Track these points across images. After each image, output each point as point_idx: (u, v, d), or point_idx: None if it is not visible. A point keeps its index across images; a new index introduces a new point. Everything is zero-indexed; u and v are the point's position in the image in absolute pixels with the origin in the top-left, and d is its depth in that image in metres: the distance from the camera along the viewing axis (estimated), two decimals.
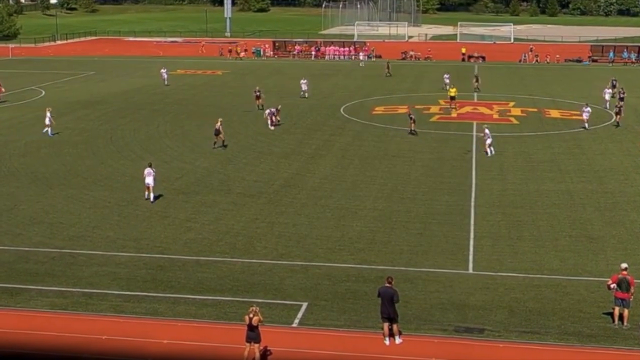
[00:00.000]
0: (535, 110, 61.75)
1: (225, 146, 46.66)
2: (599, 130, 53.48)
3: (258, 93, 60.64)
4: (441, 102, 65.67)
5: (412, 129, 51.19)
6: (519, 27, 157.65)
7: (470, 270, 27.33)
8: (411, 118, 51.53)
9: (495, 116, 58.93)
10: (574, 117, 58.11)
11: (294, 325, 22.84)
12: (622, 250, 29.20)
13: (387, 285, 21.72)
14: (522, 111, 60.99)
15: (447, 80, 73.15)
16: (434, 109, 62.56)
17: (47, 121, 51.13)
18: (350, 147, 47.37)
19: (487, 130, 46.19)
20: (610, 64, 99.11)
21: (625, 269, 22.99)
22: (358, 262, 27.99)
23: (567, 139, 50.10)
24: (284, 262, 27.97)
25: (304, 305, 24.09)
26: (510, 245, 29.77)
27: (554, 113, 60.45)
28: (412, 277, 26.43)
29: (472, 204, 35.37)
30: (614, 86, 58.27)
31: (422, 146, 47.88)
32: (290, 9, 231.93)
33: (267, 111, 53.47)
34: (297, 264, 27.74)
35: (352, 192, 37.28)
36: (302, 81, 69.27)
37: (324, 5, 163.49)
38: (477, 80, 72.38)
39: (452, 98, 61.77)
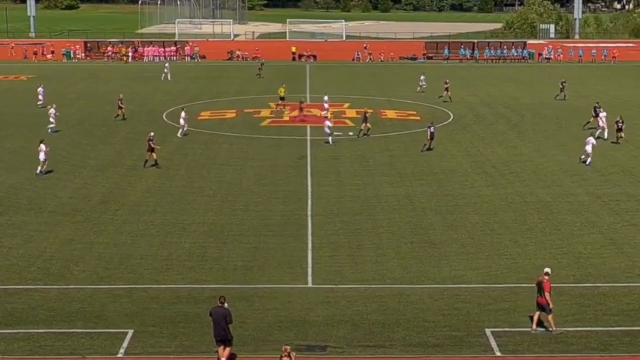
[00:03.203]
0: (371, 111, 63.28)
1: (157, 165, 44.07)
2: (437, 130, 55.37)
3: (121, 101, 58.65)
4: (272, 105, 66.26)
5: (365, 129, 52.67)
6: (351, 24, 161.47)
7: (310, 284, 27.68)
8: (365, 117, 52.70)
9: (331, 119, 59.90)
10: (410, 118, 60.05)
11: (120, 355, 22.36)
12: (464, 255, 30.44)
13: (220, 305, 21.70)
14: (357, 113, 62.33)
15: (423, 83, 73.36)
16: (264, 112, 63.04)
17: (51, 119, 53.24)
18: (175, 156, 46.90)
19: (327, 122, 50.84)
20: (446, 62, 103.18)
21: (547, 274, 23.90)
22: (189, 282, 27.75)
23: (405, 141, 51.73)
24: (106, 286, 27.35)
25: (130, 332, 23.62)
26: (351, 255, 30.39)
27: (390, 114, 62.29)
28: (248, 295, 26.48)
29: (309, 213, 35.87)
30: (597, 115, 54.22)
31: (253, 153, 48.13)
32: (102, 7, 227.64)
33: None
34: (121, 287, 27.18)
35: (179, 205, 36.95)
36: (39, 90, 65.05)
37: (140, 2, 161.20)
38: (447, 90, 67.69)
39: (282, 99, 62.65)
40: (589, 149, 44.95)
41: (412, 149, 49.22)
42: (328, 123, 51.40)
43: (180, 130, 52.89)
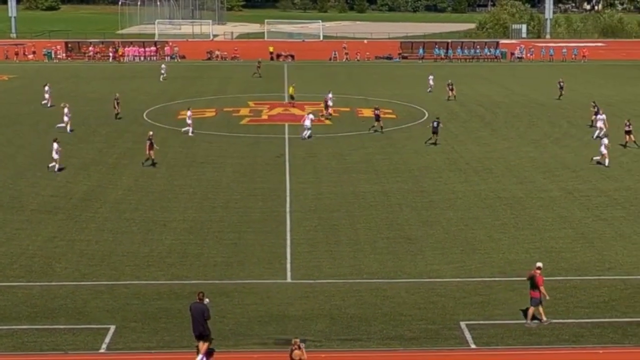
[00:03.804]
0: (348, 109, 63.44)
1: (154, 164, 43.82)
2: (412, 128, 55.68)
3: (117, 100, 58.49)
4: (251, 104, 66.23)
5: (378, 126, 53.20)
6: (327, 24, 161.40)
7: (289, 279, 27.70)
8: (377, 115, 53.54)
9: None
10: (386, 116, 60.07)
11: (102, 350, 22.28)
12: (439, 250, 30.55)
13: (198, 300, 21.68)
14: (334, 111, 62.38)
15: (432, 82, 73.60)
16: (243, 111, 62.95)
17: (65, 118, 53.01)
18: (156, 154, 46.53)
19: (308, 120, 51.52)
20: (421, 61, 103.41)
21: (538, 267, 24.04)
22: (169, 278, 27.69)
23: (381, 139, 51.80)
24: (88, 282, 27.22)
25: (112, 328, 23.55)
26: (329, 251, 30.43)
27: (367, 112, 62.24)
28: (228, 290, 26.45)
29: (288, 209, 35.87)
30: (597, 112, 53.41)
31: (232, 151, 48.05)
32: (82, 7, 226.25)
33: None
34: (102, 283, 27.08)
35: (160, 203, 36.84)
36: (45, 88, 64.38)
37: (120, 3, 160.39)
38: (452, 89, 68.55)
39: (292, 97, 63.72)
40: (603, 149, 44.10)
41: (388, 147, 49.32)
42: (311, 116, 52.35)
43: (185, 128, 52.82)
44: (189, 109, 54.37)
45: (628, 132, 49.02)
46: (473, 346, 22.74)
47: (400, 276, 27.95)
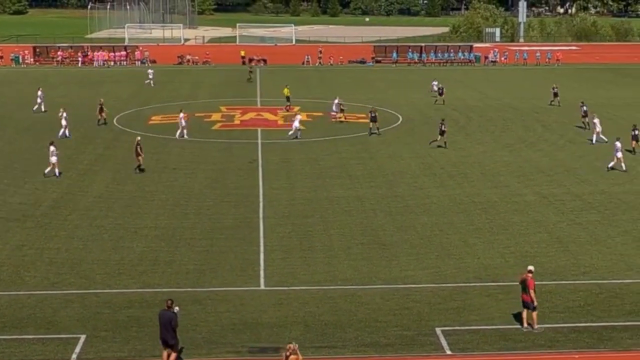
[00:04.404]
0: (321, 114, 63.43)
1: (142, 170, 43.66)
2: (387, 132, 55.76)
3: (101, 105, 58.23)
4: (223, 109, 66.11)
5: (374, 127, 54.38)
6: (300, 28, 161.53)
7: (262, 287, 27.64)
8: (373, 117, 54.48)
9: (280, 122, 60.02)
10: (360, 121, 60.20)
11: None
12: (414, 255, 30.62)
13: (167, 308, 21.60)
14: (307, 116, 62.45)
15: (436, 87, 73.34)
16: (215, 116, 62.83)
17: (63, 122, 52.90)
18: (127, 160, 46.42)
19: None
20: (394, 65, 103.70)
21: (530, 271, 24.17)
22: (140, 286, 27.54)
23: (355, 143, 51.88)
24: (57, 291, 27.02)
25: (82, 337, 23.38)
26: (303, 257, 30.40)
27: (340, 116, 62.26)
28: (200, 298, 26.36)
29: (261, 215, 35.81)
30: (585, 114, 55.40)
31: (204, 156, 47.92)
32: (51, 11, 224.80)
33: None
34: (72, 292, 26.89)
35: (131, 209, 36.65)
36: (38, 93, 64.64)
37: (89, 7, 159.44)
38: (440, 94, 69.79)
39: (288, 99, 64.51)
40: (619, 154, 43.85)
41: (362, 151, 49.39)
42: (299, 117, 54.94)
43: (179, 131, 53.20)
44: (181, 111, 54.49)
45: (634, 137, 48.38)
46: (449, 352, 22.80)
47: (375, 282, 27.98)
